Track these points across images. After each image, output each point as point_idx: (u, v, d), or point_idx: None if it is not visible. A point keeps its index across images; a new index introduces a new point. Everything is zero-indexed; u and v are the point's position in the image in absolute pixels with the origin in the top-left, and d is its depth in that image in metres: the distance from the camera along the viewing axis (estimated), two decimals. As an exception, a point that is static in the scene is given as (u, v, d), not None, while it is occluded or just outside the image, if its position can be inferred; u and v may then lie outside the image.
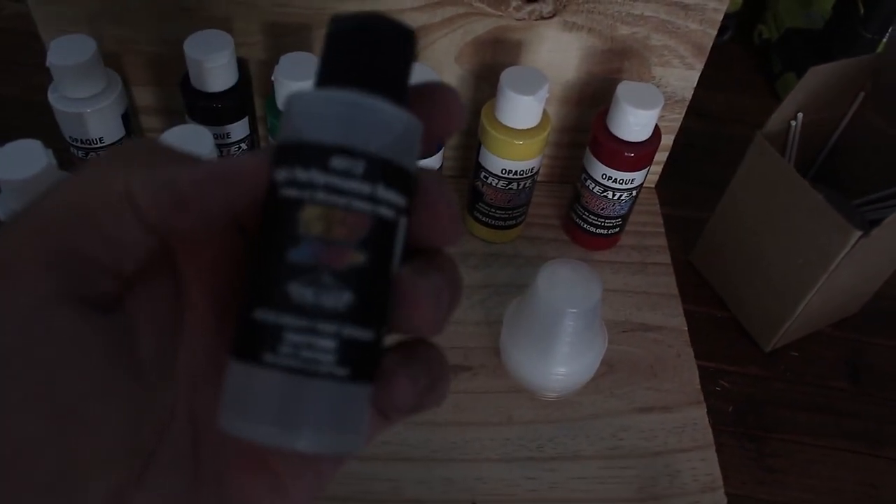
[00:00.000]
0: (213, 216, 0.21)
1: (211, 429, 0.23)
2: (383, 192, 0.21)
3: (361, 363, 0.21)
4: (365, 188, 0.21)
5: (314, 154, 0.21)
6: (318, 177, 0.20)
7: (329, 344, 0.20)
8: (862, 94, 0.69)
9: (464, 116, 0.23)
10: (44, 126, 0.61)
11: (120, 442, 0.21)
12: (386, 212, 0.21)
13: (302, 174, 0.21)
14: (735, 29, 0.98)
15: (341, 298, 0.21)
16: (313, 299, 0.20)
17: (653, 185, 0.76)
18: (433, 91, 0.23)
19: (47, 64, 0.56)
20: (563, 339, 0.55)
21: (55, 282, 0.20)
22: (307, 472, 0.25)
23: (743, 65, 0.97)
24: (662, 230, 0.73)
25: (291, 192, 0.21)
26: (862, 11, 0.82)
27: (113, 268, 0.21)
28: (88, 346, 0.20)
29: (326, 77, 0.22)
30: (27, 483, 0.19)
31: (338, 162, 0.20)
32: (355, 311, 0.21)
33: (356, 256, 0.21)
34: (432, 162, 0.62)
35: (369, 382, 0.22)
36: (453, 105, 0.23)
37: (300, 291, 0.20)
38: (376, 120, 0.21)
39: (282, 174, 0.21)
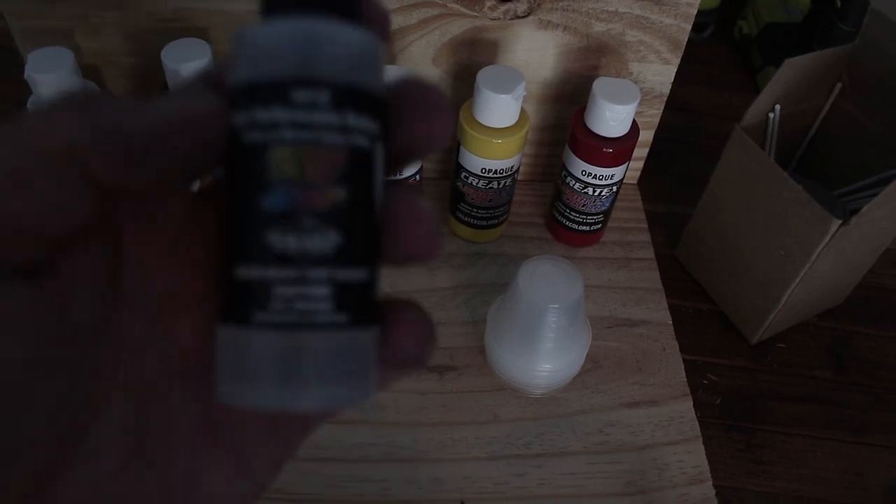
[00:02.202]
0: (172, 170, 0.19)
1: (157, 399, 0.21)
2: (354, 120, 0.19)
3: (361, 305, 0.20)
4: (333, 119, 0.19)
5: (272, 90, 0.19)
6: (281, 114, 0.19)
7: (323, 291, 0.19)
8: (839, 86, 0.69)
9: (449, 124, 0.21)
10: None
11: (45, 423, 0.19)
12: (360, 140, 0.19)
13: (263, 114, 0.19)
14: (715, 25, 0.98)
15: (328, 240, 0.19)
16: (297, 246, 0.19)
17: (635, 182, 0.76)
18: (411, 90, 0.21)
19: (25, 76, 0.56)
20: (547, 335, 0.56)
21: None
22: (270, 444, 0.23)
23: (724, 60, 0.98)
24: (645, 226, 0.73)
25: (255, 136, 0.19)
26: (839, 5, 0.83)
27: (45, 232, 0.18)
28: (12, 319, 0.18)
29: (270, 5, 0.20)
30: None
31: (299, 94, 0.19)
32: (345, 251, 0.19)
33: (336, 193, 0.19)
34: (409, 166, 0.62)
35: (373, 325, 0.20)
36: (433, 107, 0.20)
37: (282, 240, 0.19)
38: (332, 42, 0.19)
39: (241, 118, 0.19)
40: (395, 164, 0.21)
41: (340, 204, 0.19)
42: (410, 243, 0.20)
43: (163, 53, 0.58)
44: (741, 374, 0.68)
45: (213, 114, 0.19)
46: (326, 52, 0.19)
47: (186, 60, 0.57)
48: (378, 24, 0.21)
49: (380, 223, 0.20)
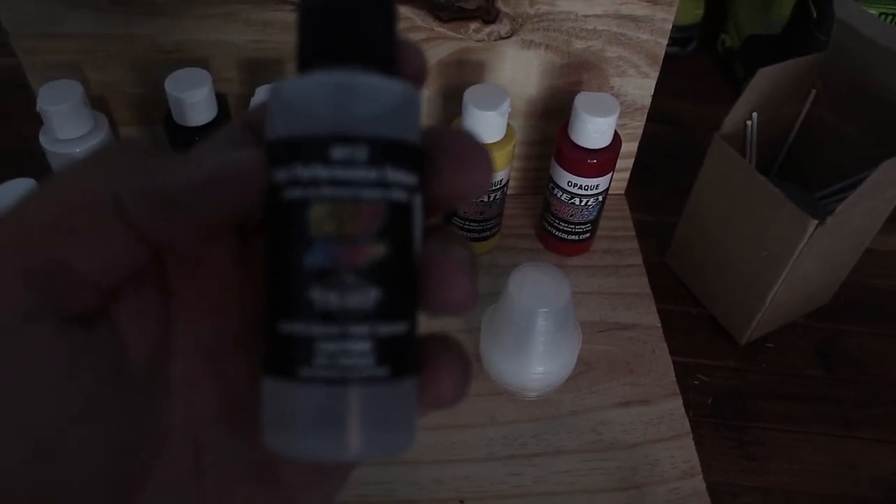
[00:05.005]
0: (210, 222, 0.19)
1: (213, 440, 0.22)
2: (392, 175, 0.20)
3: (401, 358, 0.20)
4: (372, 174, 0.19)
5: (312, 147, 0.19)
6: (320, 171, 0.19)
7: (364, 346, 0.19)
8: (813, 93, 0.72)
9: (490, 172, 0.21)
10: (36, 172, 0.65)
11: (110, 465, 0.19)
12: (398, 195, 0.20)
13: (303, 171, 0.19)
14: (699, 39, 1.01)
15: (369, 296, 0.19)
16: (339, 303, 0.19)
17: (622, 192, 0.79)
18: (450, 141, 0.21)
19: (37, 109, 0.59)
20: (538, 338, 0.58)
21: (34, 298, 0.18)
22: (319, 481, 0.23)
23: (709, 73, 1.01)
24: (633, 234, 0.76)
25: (295, 193, 0.19)
26: (815, 15, 0.86)
27: (97, 280, 0.19)
28: (72, 365, 0.19)
29: (307, 60, 0.21)
30: None
31: (338, 152, 0.19)
32: (385, 306, 0.20)
33: (376, 249, 0.19)
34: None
35: (412, 375, 0.21)
36: (474, 157, 0.21)
37: (324, 297, 0.19)
38: (369, 97, 0.19)
39: (282, 174, 0.20)
40: (437, 210, 0.22)
41: (380, 259, 0.19)
42: (448, 295, 0.20)
43: (166, 83, 0.61)
44: (731, 374, 0.70)
45: (253, 170, 0.19)
46: (364, 107, 0.19)
47: (188, 89, 0.61)
48: (415, 71, 0.21)
49: (419, 274, 0.21)
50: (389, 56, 0.21)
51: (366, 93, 0.19)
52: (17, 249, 0.19)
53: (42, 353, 0.18)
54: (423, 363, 0.21)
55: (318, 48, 0.21)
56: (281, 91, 0.20)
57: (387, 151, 0.19)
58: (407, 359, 0.21)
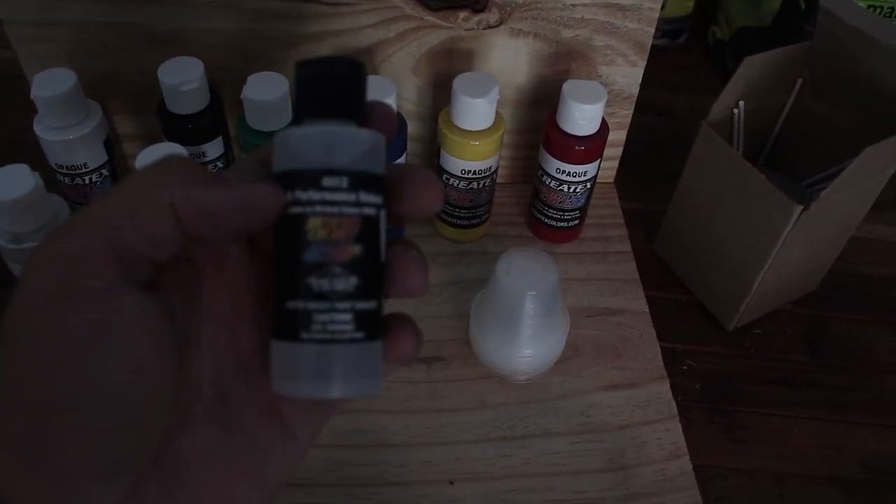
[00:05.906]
0: (232, 233, 0.27)
1: (233, 390, 0.29)
2: (364, 197, 0.27)
3: (372, 326, 0.28)
4: (351, 197, 0.27)
5: (308, 178, 0.27)
6: (314, 195, 0.27)
7: (346, 317, 0.27)
8: (799, 81, 0.73)
9: (440, 197, 0.29)
10: (32, 163, 0.65)
11: (172, 396, 0.26)
12: (369, 210, 0.27)
13: (302, 195, 0.27)
14: (690, 31, 1.02)
15: (350, 282, 0.27)
16: (329, 287, 0.27)
17: (611, 181, 0.80)
18: (411, 173, 0.29)
19: (31, 97, 0.60)
20: (526, 321, 0.59)
21: (118, 270, 0.25)
22: (309, 419, 0.30)
23: (700, 66, 1.02)
24: (622, 221, 0.77)
25: (297, 210, 0.27)
26: (803, 7, 0.87)
27: (152, 259, 0.26)
28: (148, 319, 0.26)
29: (303, 114, 0.28)
30: (108, 422, 0.24)
31: (327, 181, 0.27)
32: (361, 289, 0.27)
33: (354, 249, 0.27)
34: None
35: (380, 338, 0.28)
36: (428, 185, 0.29)
37: (318, 283, 0.27)
38: (348, 142, 0.27)
39: (287, 196, 0.27)
40: (406, 221, 0.29)
41: (357, 256, 0.27)
42: (406, 284, 0.29)
43: (159, 71, 0.61)
44: (719, 359, 0.70)
45: (271, 201, 0.27)
46: (345, 150, 0.27)
47: (181, 77, 0.61)
48: (385, 122, 0.29)
49: (385, 267, 0.28)
50: (361, 113, 0.28)
51: (345, 140, 0.27)
52: (101, 233, 0.25)
53: (130, 309, 0.25)
54: (389, 330, 0.29)
55: (310, 107, 0.28)
56: (286, 138, 0.27)
57: (360, 181, 0.27)
58: (376, 327, 0.28)
